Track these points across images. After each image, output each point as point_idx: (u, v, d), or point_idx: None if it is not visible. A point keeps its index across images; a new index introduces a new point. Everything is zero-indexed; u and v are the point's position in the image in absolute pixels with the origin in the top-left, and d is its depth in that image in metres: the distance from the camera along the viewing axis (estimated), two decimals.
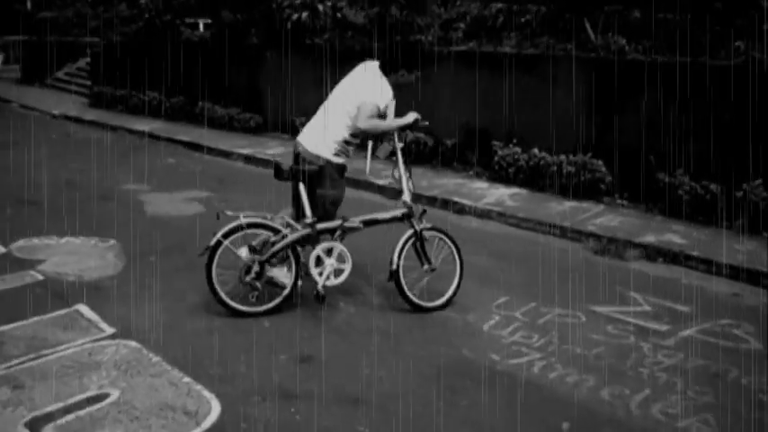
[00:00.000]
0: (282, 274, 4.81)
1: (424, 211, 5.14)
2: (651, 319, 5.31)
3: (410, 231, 4.93)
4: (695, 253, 6.79)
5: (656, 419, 3.91)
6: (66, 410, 3.77)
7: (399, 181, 4.90)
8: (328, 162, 4.86)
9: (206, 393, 3.97)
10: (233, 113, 12.55)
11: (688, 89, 8.02)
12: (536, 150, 9.13)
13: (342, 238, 4.87)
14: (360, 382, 4.16)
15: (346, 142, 4.91)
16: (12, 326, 4.76)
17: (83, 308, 5.06)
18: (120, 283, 5.55)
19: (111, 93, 14.91)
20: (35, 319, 4.87)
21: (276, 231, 4.72)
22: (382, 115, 4.87)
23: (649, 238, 7.17)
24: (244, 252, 4.72)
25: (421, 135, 10.29)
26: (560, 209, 8.25)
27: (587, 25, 9.08)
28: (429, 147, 10.22)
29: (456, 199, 8.51)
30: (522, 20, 9.92)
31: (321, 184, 4.85)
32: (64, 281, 5.59)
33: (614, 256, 6.89)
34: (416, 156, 10.24)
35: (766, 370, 4.52)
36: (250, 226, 4.66)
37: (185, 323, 4.85)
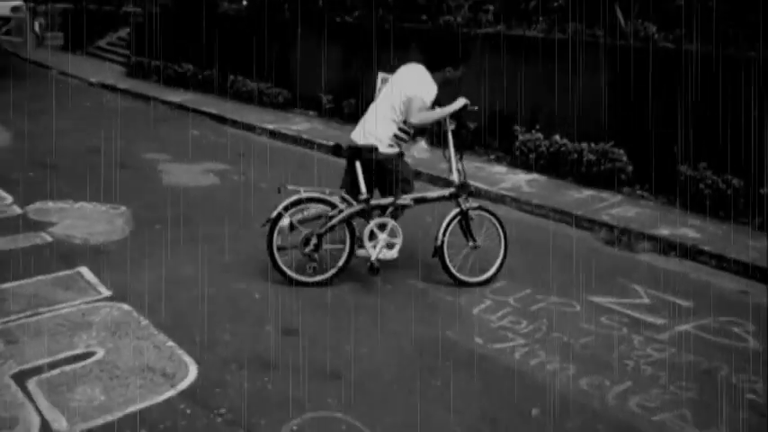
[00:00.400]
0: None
1: (471, 192, 5.39)
2: (649, 312, 5.22)
3: (456, 210, 5.17)
4: (707, 248, 6.63)
5: (632, 412, 3.87)
6: (52, 366, 3.90)
7: (450, 162, 5.17)
8: (388, 156, 5.12)
9: (186, 358, 4.06)
10: (263, 88, 12.63)
11: (717, 81, 7.80)
12: (557, 137, 9.00)
13: (395, 216, 5.10)
14: (340, 358, 4.20)
15: (396, 137, 5.16)
16: (16, 283, 4.92)
17: (84, 270, 5.20)
18: (123, 249, 5.68)
19: (147, 63, 15.15)
20: (38, 278, 5.03)
21: (333, 206, 4.93)
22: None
23: (663, 231, 7.02)
24: (285, 222, 4.90)
25: None
26: (577, 197, 8.14)
27: (618, 11, 8.85)
28: (451, 130, 10.11)
29: (471, 182, 8.42)
30: (555, 4, 9.70)
31: (386, 172, 5.13)
32: (71, 243, 5.74)
33: (624, 247, 6.77)
34: (437, 138, 10.18)
35: (762, 370, 4.42)
36: (309, 200, 4.91)
37: (179, 291, 4.95)
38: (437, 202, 5.33)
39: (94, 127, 10.40)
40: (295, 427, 3.49)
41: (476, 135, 10.02)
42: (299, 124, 11.33)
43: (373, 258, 4.95)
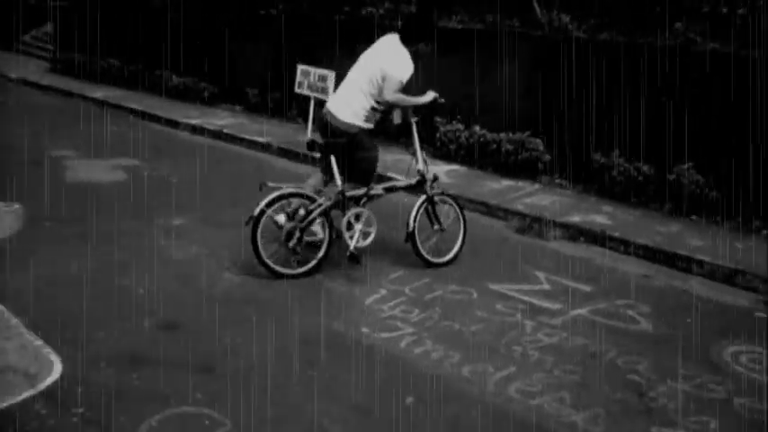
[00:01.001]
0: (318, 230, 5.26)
1: (436, 178, 5.57)
2: (546, 298, 5.22)
3: (423, 197, 5.40)
4: (616, 234, 6.69)
5: (510, 397, 3.83)
6: None
7: (415, 153, 5.38)
8: (360, 129, 5.19)
9: (53, 357, 3.87)
10: (190, 83, 12.35)
11: (628, 69, 7.88)
12: (477, 127, 9.00)
13: (367, 204, 5.28)
14: (219, 351, 4.07)
15: (373, 109, 5.20)
16: None
17: None
18: (8, 247, 5.43)
19: (72, 58, 14.66)
20: None
21: (312, 200, 5.09)
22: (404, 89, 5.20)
23: (575, 219, 7.07)
24: (282, 219, 5.06)
25: None
26: (495, 187, 8.14)
27: (534, 1, 8.89)
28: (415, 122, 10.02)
29: (389, 174, 8.36)
30: None
31: (356, 150, 5.19)
32: None
33: (535, 235, 6.78)
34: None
35: (649, 350, 4.44)
36: (290, 195, 5.04)
37: (60, 289, 4.75)
38: (406, 189, 5.59)
39: (8, 124, 10.02)
40: (155, 423, 3.35)
41: (398, 127, 9.97)
42: (224, 119, 11.11)
43: (351, 248, 5.09)
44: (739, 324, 4.98)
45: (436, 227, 5.60)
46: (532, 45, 8.70)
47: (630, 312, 5.11)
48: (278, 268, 5.04)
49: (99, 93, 12.81)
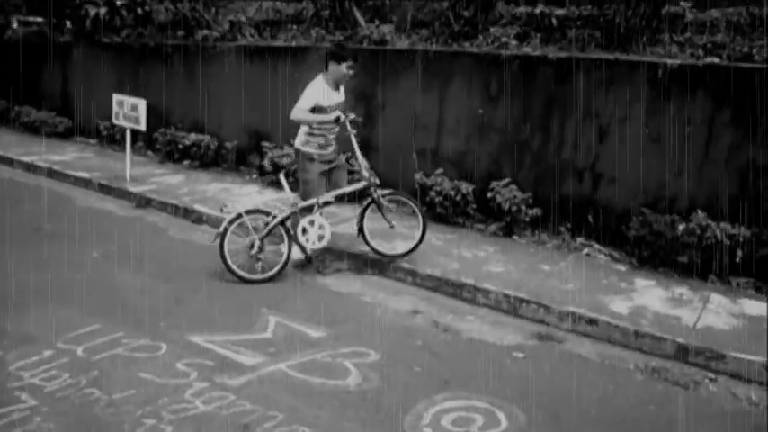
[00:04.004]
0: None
1: (378, 184, 5.89)
2: (252, 350, 4.41)
3: (368, 199, 5.85)
4: (405, 264, 5.90)
5: None
6: None
7: (357, 161, 5.81)
8: (298, 150, 5.96)
9: None
10: (46, 117, 11.62)
11: (446, 80, 7.18)
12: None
13: (320, 211, 5.77)
14: None
15: (310, 134, 5.83)
16: None
17: None
18: None
19: None
20: None
21: (268, 214, 5.78)
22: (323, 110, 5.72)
23: (363, 248, 6.26)
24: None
25: (204, 138, 9.40)
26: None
27: (357, 13, 8.19)
28: (212, 150, 9.31)
29: (197, 207, 7.60)
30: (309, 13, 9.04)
31: (297, 169, 6.08)
32: None
33: (315, 270, 5.99)
34: (200, 159, 9.37)
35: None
36: (248, 213, 5.73)
37: None
38: (354, 194, 6.01)
39: None
40: None
41: (235, 154, 9.26)
42: (68, 154, 10.34)
43: (308, 251, 5.85)
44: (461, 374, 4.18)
45: (387, 226, 5.92)
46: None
47: (348, 363, 4.29)
48: (245, 275, 5.61)
49: None
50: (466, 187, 6.93)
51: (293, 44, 8.51)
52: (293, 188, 6.07)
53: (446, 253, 6.17)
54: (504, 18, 7.12)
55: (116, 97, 8.68)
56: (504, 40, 6.82)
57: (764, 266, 5.68)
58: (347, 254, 6.19)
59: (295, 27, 8.84)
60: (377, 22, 7.77)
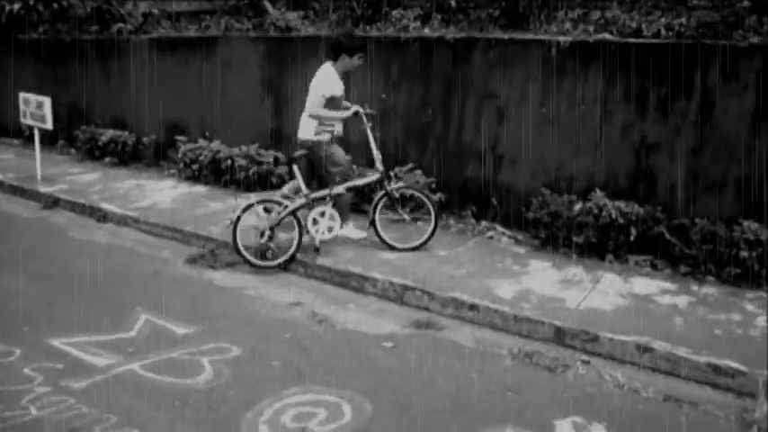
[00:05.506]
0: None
1: (390, 176, 6.05)
2: (110, 351, 4.27)
3: (381, 192, 5.86)
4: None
5: None
6: None
7: (374, 153, 5.81)
8: (313, 144, 5.82)
9: None
10: None
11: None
12: (215, 144, 8.10)
13: (333, 203, 5.78)
14: None
15: (321, 124, 5.78)
16: None
17: None
18: None
19: None
20: None
21: (280, 204, 5.76)
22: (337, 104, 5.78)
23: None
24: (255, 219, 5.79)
25: (123, 134, 9.20)
26: (219, 208, 7.20)
27: (266, 1, 8.00)
28: (130, 146, 9.10)
29: (103, 205, 7.41)
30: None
31: (318, 159, 5.85)
32: None
33: (207, 265, 5.85)
34: (119, 156, 9.17)
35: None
36: (260, 202, 5.77)
37: None
38: (367, 186, 6.09)
39: None
40: None
41: (153, 149, 9.06)
42: None
43: (317, 242, 5.74)
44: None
45: (400, 217, 6.07)
46: (264, 47, 7.81)
47: (206, 360, 4.16)
48: (256, 261, 5.69)
49: None
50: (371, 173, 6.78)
51: (201, 35, 8.31)
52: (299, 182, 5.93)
53: (342, 242, 6.03)
54: (406, 1, 6.95)
55: (22, 96, 8.47)
56: (404, 22, 6.65)
57: (660, 244, 5.60)
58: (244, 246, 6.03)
59: (208, 17, 8.60)
60: (301, 12, 7.59)
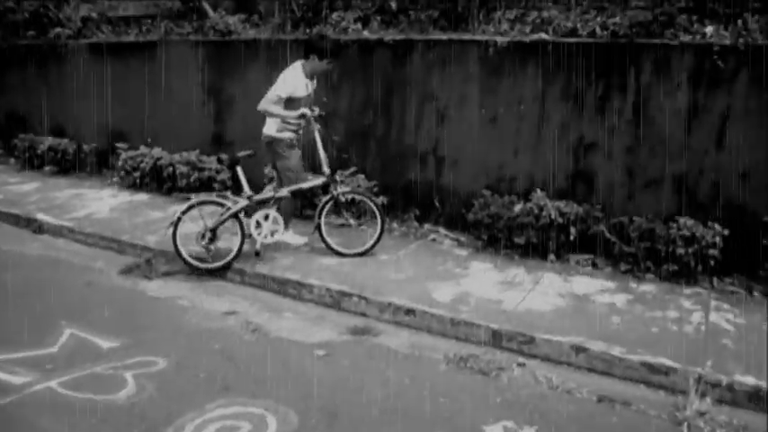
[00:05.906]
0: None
1: (336, 180, 5.86)
2: (30, 368, 4.08)
3: (327, 196, 5.76)
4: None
5: None
6: None
7: (320, 157, 5.69)
8: (273, 139, 5.71)
9: None
10: None
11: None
12: (156, 150, 7.91)
13: (277, 207, 5.71)
14: None
15: (284, 122, 5.66)
16: None
17: None
18: None
19: None
20: None
21: (222, 205, 5.59)
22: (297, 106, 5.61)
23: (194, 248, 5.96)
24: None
25: (62, 141, 8.94)
26: (158, 216, 7.01)
27: (205, 4, 7.85)
28: (70, 154, 8.85)
29: (39, 216, 7.17)
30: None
31: (276, 155, 5.77)
32: None
33: (142, 275, 5.67)
34: (59, 164, 8.91)
35: None
36: (202, 203, 5.59)
37: None
38: (312, 190, 6.03)
39: None
40: None
41: (94, 157, 8.83)
42: None
43: (257, 245, 5.65)
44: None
45: (345, 222, 6.04)
46: (204, 52, 7.65)
47: (129, 374, 4.01)
48: (196, 263, 5.57)
49: None
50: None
51: (140, 39, 8.12)
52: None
53: (285, 248, 5.92)
54: (346, 3, 6.86)
55: None
56: (344, 24, 6.57)
57: (601, 242, 5.60)
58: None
59: (150, 21, 8.41)
60: (242, 16, 7.46)
